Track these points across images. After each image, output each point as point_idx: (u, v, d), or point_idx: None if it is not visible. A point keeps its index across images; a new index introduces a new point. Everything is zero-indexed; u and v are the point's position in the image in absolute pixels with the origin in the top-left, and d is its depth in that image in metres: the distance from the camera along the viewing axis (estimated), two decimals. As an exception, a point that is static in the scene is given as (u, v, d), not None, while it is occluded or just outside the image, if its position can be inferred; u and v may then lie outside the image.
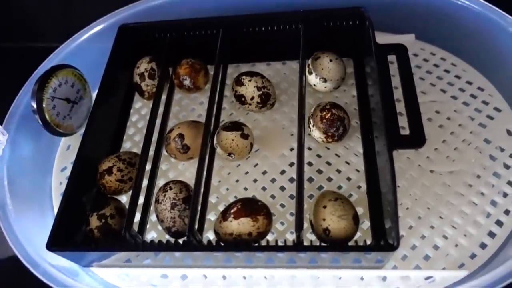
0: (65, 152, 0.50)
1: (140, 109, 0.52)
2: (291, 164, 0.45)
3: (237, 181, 0.45)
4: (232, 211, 0.38)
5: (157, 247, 0.37)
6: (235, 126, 0.43)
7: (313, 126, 0.43)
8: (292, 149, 0.46)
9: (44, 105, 0.45)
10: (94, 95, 0.52)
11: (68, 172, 0.49)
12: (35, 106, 0.44)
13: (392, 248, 0.33)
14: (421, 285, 0.37)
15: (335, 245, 0.36)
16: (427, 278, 0.37)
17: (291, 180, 0.44)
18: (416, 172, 0.43)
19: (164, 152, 0.46)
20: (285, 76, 0.52)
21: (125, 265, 0.40)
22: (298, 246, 0.35)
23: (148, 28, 0.50)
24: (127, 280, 0.40)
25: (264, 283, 0.39)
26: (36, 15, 0.73)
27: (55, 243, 0.36)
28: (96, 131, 0.45)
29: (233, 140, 0.42)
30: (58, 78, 0.46)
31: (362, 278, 0.38)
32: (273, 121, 0.48)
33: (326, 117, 0.42)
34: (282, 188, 0.44)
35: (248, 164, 0.45)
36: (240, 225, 0.37)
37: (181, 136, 0.43)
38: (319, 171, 0.44)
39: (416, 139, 0.37)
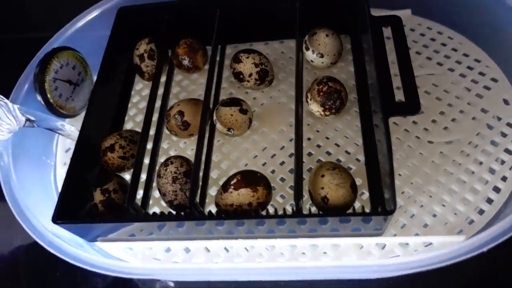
0: (69, 133, 0.51)
1: (141, 90, 0.53)
2: (291, 140, 0.45)
3: (237, 157, 0.45)
4: (232, 182, 0.38)
5: (159, 218, 0.38)
6: (234, 101, 0.44)
7: (310, 99, 0.43)
8: (291, 125, 0.46)
9: (46, 87, 0.46)
10: (95, 78, 0.53)
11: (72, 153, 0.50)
12: (37, 88, 0.45)
13: (390, 212, 0.33)
14: (420, 251, 0.37)
15: (333, 212, 0.37)
16: (426, 245, 0.38)
17: (291, 155, 0.45)
18: (414, 143, 0.43)
19: (166, 131, 0.46)
20: (283, 54, 0.52)
21: (129, 239, 0.41)
22: (297, 213, 0.36)
23: (146, 10, 0.50)
24: (131, 254, 0.41)
25: (266, 254, 0.39)
26: (28, 5, 0.73)
27: (61, 217, 0.37)
28: (97, 112, 0.46)
29: (232, 115, 0.43)
30: (60, 60, 0.47)
31: (361, 247, 0.39)
32: (271, 98, 0.49)
33: (323, 90, 0.42)
34: (282, 163, 0.44)
35: (248, 141, 0.46)
36: (240, 196, 0.38)
37: (181, 113, 0.44)
38: (318, 146, 0.45)
39: (411, 106, 0.38)
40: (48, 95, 0.46)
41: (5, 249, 0.51)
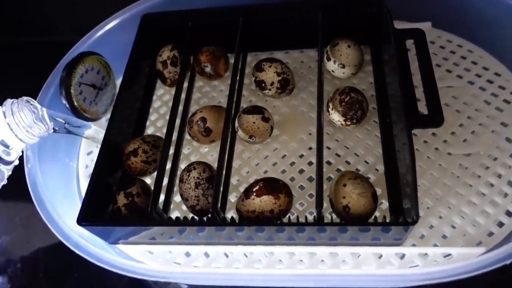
0: (91, 137, 0.52)
1: (162, 96, 0.53)
2: (310, 148, 0.46)
3: (257, 164, 0.46)
4: (254, 189, 0.39)
5: (182, 223, 0.39)
6: (256, 109, 0.44)
7: (332, 109, 0.44)
8: (310, 134, 0.47)
9: (72, 91, 0.47)
10: (117, 82, 0.54)
11: (93, 156, 0.51)
12: (63, 91, 0.46)
13: (412, 222, 0.34)
14: (439, 262, 0.38)
15: (355, 221, 0.37)
16: (445, 256, 0.38)
17: (310, 163, 0.45)
18: (434, 154, 0.44)
19: (187, 137, 0.47)
20: (303, 64, 0.53)
21: (150, 242, 0.41)
22: (319, 222, 0.37)
23: (170, 17, 0.51)
24: (151, 257, 0.42)
25: (285, 261, 0.40)
26: (47, 9, 0.74)
27: (86, 219, 0.38)
28: (121, 116, 0.47)
29: (254, 123, 0.43)
30: (85, 65, 0.48)
31: (380, 256, 0.39)
32: (291, 107, 0.49)
33: (345, 100, 0.43)
34: (301, 171, 0.45)
35: (268, 148, 0.47)
36: (262, 203, 0.38)
37: (203, 119, 0.44)
38: (337, 155, 0.45)
39: (435, 118, 0.38)
40: (73, 99, 0.47)
41: (25, 249, 0.51)
